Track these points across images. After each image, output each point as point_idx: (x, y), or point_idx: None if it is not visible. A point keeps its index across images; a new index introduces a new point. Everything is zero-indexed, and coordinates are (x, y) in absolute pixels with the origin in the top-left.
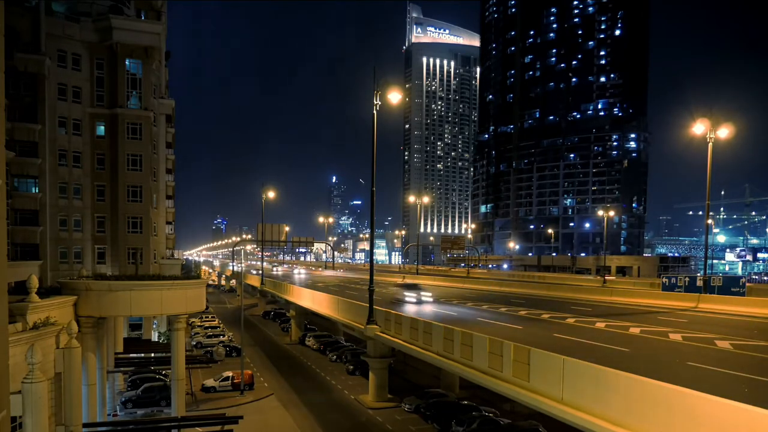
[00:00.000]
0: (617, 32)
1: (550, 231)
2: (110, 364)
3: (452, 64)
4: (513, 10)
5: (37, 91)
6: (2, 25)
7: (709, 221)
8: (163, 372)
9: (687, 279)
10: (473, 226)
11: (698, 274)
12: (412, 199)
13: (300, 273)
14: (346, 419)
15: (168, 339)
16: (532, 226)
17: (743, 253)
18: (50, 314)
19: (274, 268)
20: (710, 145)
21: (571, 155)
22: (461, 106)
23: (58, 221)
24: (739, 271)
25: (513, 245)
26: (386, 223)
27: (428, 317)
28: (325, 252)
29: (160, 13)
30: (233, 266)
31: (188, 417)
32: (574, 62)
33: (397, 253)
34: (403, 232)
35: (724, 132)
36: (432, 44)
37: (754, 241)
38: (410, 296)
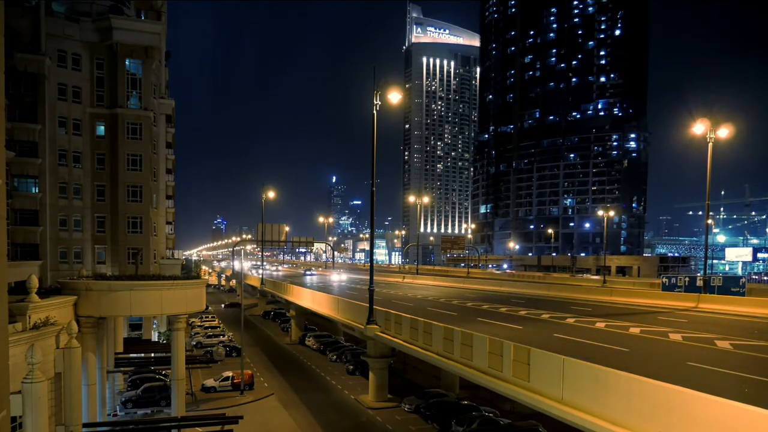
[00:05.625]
0: (617, 32)
1: (550, 231)
2: (110, 364)
3: (452, 64)
4: (513, 10)
5: (37, 91)
6: (2, 25)
7: (709, 221)
8: (163, 372)
9: (687, 279)
10: (473, 226)
11: (698, 274)
12: (412, 199)
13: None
14: (346, 419)
15: (168, 339)
16: (532, 226)
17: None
18: (50, 314)
19: (274, 271)
20: (710, 145)
21: (571, 155)
22: (461, 106)
23: (58, 221)
24: (739, 271)
25: (513, 245)
26: (386, 223)
27: None
28: (325, 252)
29: (160, 13)
30: (233, 266)
31: (188, 417)
32: (574, 62)
33: (397, 253)
34: (403, 232)
35: (724, 132)
36: (432, 44)
37: (755, 241)
38: None
